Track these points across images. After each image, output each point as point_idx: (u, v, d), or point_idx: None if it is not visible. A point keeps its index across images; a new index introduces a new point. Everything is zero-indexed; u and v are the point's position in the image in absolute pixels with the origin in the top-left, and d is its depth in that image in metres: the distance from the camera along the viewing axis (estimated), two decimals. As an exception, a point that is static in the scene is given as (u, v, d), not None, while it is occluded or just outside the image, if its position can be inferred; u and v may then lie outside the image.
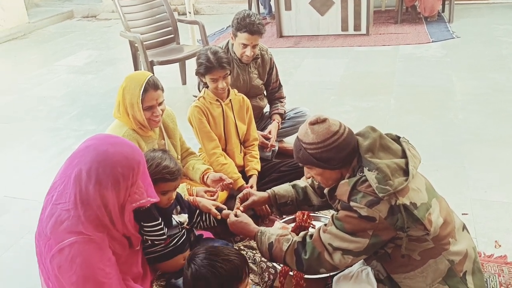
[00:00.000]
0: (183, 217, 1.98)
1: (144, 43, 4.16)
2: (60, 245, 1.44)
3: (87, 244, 1.46)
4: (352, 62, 5.11)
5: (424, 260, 1.62)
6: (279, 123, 3.19)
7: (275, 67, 3.23)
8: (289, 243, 1.72)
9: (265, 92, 3.28)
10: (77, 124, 4.20)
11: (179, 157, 2.48)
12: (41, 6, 9.44)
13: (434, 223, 1.59)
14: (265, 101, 3.28)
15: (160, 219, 1.81)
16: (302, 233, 1.76)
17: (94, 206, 1.47)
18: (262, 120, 3.30)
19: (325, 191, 1.84)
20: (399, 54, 5.19)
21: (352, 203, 1.57)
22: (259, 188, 2.63)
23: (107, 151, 1.49)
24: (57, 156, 3.64)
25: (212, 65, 2.47)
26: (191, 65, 4.83)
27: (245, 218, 1.93)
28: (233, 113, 2.65)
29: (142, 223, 1.75)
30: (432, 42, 5.47)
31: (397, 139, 1.73)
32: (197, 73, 2.60)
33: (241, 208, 2.05)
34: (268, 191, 2.08)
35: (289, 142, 3.32)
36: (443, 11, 6.63)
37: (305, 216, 2.24)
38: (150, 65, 4.09)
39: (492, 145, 3.16)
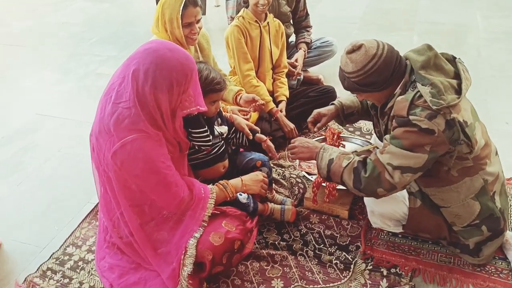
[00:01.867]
0: (224, 129, 2.08)
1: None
2: (122, 141, 1.53)
3: (147, 140, 1.55)
4: (375, -2, 5.03)
5: (460, 177, 1.69)
6: (305, 52, 3.22)
7: (304, -6, 3.21)
8: (350, 160, 1.73)
9: (291, 21, 3.27)
10: (99, 50, 4.23)
11: None
12: None
13: (478, 142, 1.66)
14: (292, 29, 3.28)
15: (206, 126, 1.90)
16: (363, 155, 1.77)
17: (149, 107, 1.55)
18: (288, 49, 3.30)
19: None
20: (423, -8, 5.10)
21: (411, 117, 1.58)
22: (288, 113, 2.73)
23: (165, 55, 1.54)
24: (81, 79, 3.71)
25: None
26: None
27: (305, 139, 1.96)
28: (269, 36, 2.68)
29: (190, 130, 1.84)
30: (457, -20, 5.33)
31: (452, 60, 1.72)
32: None
33: (315, 129, 2.14)
34: (335, 102, 2.14)
35: (315, 72, 3.37)
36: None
37: (335, 136, 2.32)
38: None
39: (514, 81, 3.21)
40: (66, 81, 3.69)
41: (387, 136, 1.69)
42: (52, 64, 4.01)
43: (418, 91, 1.60)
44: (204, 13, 4.80)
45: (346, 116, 2.12)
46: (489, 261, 1.84)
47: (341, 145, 2.33)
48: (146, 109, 1.55)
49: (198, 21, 2.22)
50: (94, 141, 1.65)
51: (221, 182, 1.90)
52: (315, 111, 2.17)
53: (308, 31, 3.30)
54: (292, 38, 3.35)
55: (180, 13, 2.12)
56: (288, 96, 2.80)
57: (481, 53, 3.61)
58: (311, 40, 3.29)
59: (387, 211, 1.87)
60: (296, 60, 3.11)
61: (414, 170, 1.63)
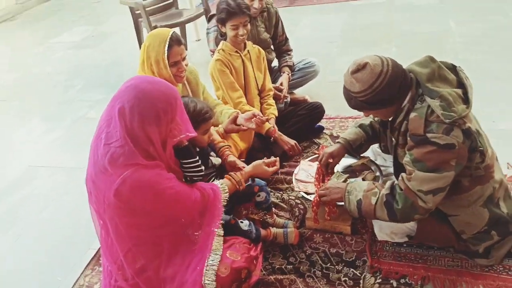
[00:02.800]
0: (218, 160, 2.11)
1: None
2: (122, 177, 1.53)
3: (145, 169, 1.56)
4: (350, 16, 5.16)
5: (472, 186, 1.70)
6: (289, 74, 3.27)
7: (281, 20, 3.28)
8: (377, 196, 1.72)
9: (272, 47, 3.34)
10: (87, 96, 4.26)
11: None
12: (25, -14, 9.25)
13: (489, 151, 1.68)
14: (273, 54, 3.35)
15: (197, 157, 1.90)
16: (388, 184, 1.76)
17: (141, 141, 1.57)
18: (271, 74, 3.36)
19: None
20: (395, 5, 5.24)
21: (429, 135, 1.57)
22: (283, 133, 2.74)
23: (146, 88, 1.57)
24: (73, 125, 3.72)
25: (233, 10, 2.52)
26: (191, 30, 4.89)
27: (334, 182, 1.98)
28: (251, 63, 2.73)
29: (181, 160, 1.84)
30: (426, -10, 5.50)
31: (453, 68, 1.73)
32: (218, 20, 2.63)
33: (329, 171, 2.13)
34: (340, 140, 2.11)
35: (300, 93, 3.42)
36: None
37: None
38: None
39: (495, 80, 3.28)
40: (56, 130, 3.70)
41: (408, 160, 1.67)
42: (40, 114, 4.03)
43: (429, 105, 1.60)
44: (186, 49, 4.88)
45: (355, 149, 2.11)
46: (499, 262, 1.84)
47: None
48: (138, 144, 1.57)
49: (183, 59, 2.23)
50: (91, 185, 1.65)
51: (230, 173, 1.95)
52: (326, 153, 2.11)
53: (289, 54, 3.36)
54: (275, 63, 3.42)
55: (166, 54, 2.13)
56: (277, 115, 2.83)
57: (458, 57, 3.70)
58: (293, 63, 3.35)
59: (396, 225, 1.87)
60: (281, 84, 3.15)
61: (444, 188, 1.63)
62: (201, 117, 1.90)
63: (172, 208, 1.65)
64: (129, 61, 4.90)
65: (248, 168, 2.02)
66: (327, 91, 3.53)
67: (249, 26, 2.63)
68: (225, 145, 2.20)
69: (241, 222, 2.00)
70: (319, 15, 5.40)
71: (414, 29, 4.48)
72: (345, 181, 2.19)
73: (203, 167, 1.93)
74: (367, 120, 2.11)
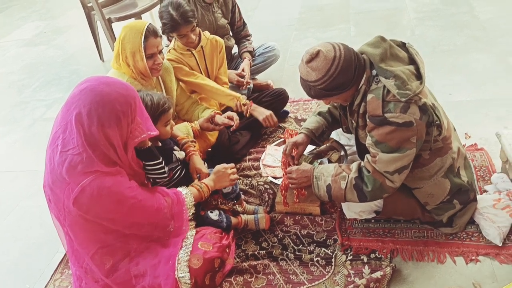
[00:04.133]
0: (182, 154, 2.07)
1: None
2: (81, 185, 1.49)
3: (105, 177, 1.53)
4: (306, -2, 5.16)
5: (432, 159, 1.75)
6: (250, 60, 3.25)
7: (237, 5, 3.24)
8: (346, 180, 1.75)
9: (231, 33, 3.31)
10: (43, 95, 4.11)
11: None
12: (-32, -17, 8.77)
13: (445, 123, 1.72)
14: (232, 40, 3.31)
15: (160, 158, 1.83)
16: (354, 167, 1.77)
17: (101, 146, 1.52)
18: (232, 60, 3.35)
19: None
20: (350, -16, 5.27)
21: (387, 115, 1.60)
22: (246, 123, 2.71)
23: (103, 90, 1.51)
24: (31, 127, 3.59)
25: (177, 23, 2.43)
26: (147, 20, 4.76)
27: (299, 168, 1.96)
28: (204, 59, 2.68)
29: (144, 162, 1.79)
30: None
31: (402, 45, 1.75)
32: (164, 32, 2.54)
33: (295, 162, 2.08)
34: (302, 130, 2.10)
35: (262, 78, 3.41)
36: None
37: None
38: (108, 23, 3.99)
39: (451, 54, 3.36)
40: (14, 132, 3.56)
41: (371, 143, 1.69)
42: (-4, 117, 3.86)
43: (384, 86, 1.62)
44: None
45: (318, 137, 2.11)
46: (462, 229, 1.91)
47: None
48: (98, 150, 1.52)
49: (160, 52, 2.19)
50: (49, 192, 1.60)
51: (196, 182, 1.92)
52: (290, 142, 2.09)
53: (248, 40, 3.34)
54: (235, 49, 3.39)
55: (142, 46, 2.08)
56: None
57: (415, 32, 3.77)
58: (253, 48, 3.32)
59: (364, 204, 1.89)
60: (243, 70, 3.13)
61: (408, 165, 1.68)
62: (159, 110, 1.86)
63: (135, 216, 1.62)
64: (85, 57, 4.75)
65: (210, 178, 1.98)
66: (288, 75, 3.54)
67: (197, 30, 2.56)
68: (189, 141, 2.16)
69: (211, 212, 1.99)
70: (276, -2, 5.37)
71: (370, 7, 4.53)
72: (311, 162, 2.22)
73: (166, 169, 1.87)
74: (325, 107, 2.12)
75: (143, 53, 2.08)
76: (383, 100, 1.62)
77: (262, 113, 2.62)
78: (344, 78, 1.65)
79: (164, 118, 1.89)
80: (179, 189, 1.86)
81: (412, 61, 1.72)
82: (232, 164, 2.06)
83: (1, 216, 2.63)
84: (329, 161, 2.22)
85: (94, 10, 4.06)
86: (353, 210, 1.96)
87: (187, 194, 1.83)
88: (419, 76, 1.66)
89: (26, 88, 4.29)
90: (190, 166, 2.07)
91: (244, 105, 2.59)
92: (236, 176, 2.04)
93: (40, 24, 6.15)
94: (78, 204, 1.50)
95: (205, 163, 2.14)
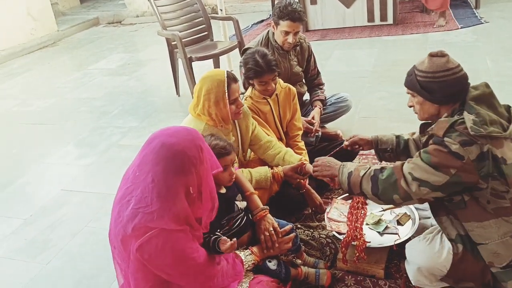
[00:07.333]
0: (243, 204, 2.04)
1: (181, 40, 4.28)
2: (149, 234, 1.49)
3: (173, 234, 1.52)
4: (382, 51, 5.15)
5: (495, 215, 1.65)
6: (321, 108, 3.27)
7: (313, 54, 3.30)
8: (367, 170, 1.80)
9: (303, 80, 3.35)
10: (120, 122, 4.35)
11: (244, 152, 2.52)
12: (67, 14, 9.70)
13: None
14: (305, 87, 3.36)
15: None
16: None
17: (176, 202, 1.51)
18: (303, 107, 3.37)
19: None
20: (429, 41, 5.22)
21: (446, 138, 1.61)
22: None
23: (171, 142, 1.53)
24: (106, 151, 3.79)
25: (262, 70, 2.51)
26: (223, 62, 4.97)
27: (327, 158, 2.03)
28: (278, 106, 2.73)
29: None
30: (461, 28, 5.48)
31: (507, 107, 1.74)
32: (246, 78, 2.63)
33: (346, 143, 2.23)
34: (372, 135, 2.18)
35: (331, 127, 3.40)
36: (468, -3, 6.61)
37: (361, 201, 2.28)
38: (189, 61, 4.21)
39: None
40: (90, 155, 3.78)
41: (422, 150, 1.70)
42: (74, 139, 4.13)
43: (462, 118, 1.62)
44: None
45: (379, 150, 2.15)
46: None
47: (365, 205, 2.28)
48: (173, 207, 1.51)
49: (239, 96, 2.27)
50: (114, 240, 1.62)
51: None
52: (357, 136, 2.20)
53: (321, 88, 3.36)
54: (306, 96, 3.42)
55: (227, 94, 2.15)
56: (308, 161, 2.68)
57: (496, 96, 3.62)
58: (325, 97, 3.34)
59: (431, 263, 1.78)
60: (313, 118, 3.14)
61: (432, 187, 1.63)
62: (215, 152, 1.79)
63: (189, 277, 1.62)
64: (161, 90, 5.02)
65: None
66: (358, 127, 3.50)
67: (277, 80, 2.63)
68: (264, 209, 2.06)
69: (269, 261, 1.95)
70: (351, 50, 5.42)
71: (448, 66, 4.43)
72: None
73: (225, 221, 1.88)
74: (407, 136, 2.14)
75: (227, 100, 2.14)
76: (450, 126, 1.62)
77: (315, 199, 2.54)
78: (441, 89, 1.69)
79: (222, 162, 1.85)
80: (241, 254, 1.86)
81: (509, 122, 1.67)
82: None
83: (69, 235, 2.76)
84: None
85: (177, 48, 4.31)
86: (419, 267, 1.83)
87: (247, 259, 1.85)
88: (506, 130, 1.61)
89: (106, 115, 4.58)
90: (257, 229, 2.01)
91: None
92: (288, 245, 2.00)
93: (124, 56, 6.62)
94: (141, 251, 1.51)
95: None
